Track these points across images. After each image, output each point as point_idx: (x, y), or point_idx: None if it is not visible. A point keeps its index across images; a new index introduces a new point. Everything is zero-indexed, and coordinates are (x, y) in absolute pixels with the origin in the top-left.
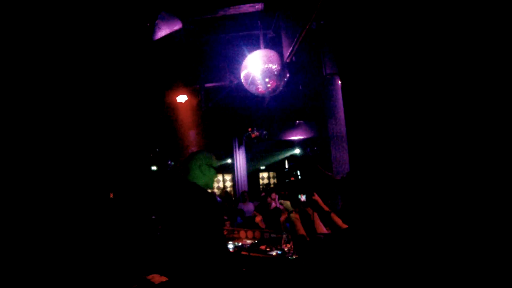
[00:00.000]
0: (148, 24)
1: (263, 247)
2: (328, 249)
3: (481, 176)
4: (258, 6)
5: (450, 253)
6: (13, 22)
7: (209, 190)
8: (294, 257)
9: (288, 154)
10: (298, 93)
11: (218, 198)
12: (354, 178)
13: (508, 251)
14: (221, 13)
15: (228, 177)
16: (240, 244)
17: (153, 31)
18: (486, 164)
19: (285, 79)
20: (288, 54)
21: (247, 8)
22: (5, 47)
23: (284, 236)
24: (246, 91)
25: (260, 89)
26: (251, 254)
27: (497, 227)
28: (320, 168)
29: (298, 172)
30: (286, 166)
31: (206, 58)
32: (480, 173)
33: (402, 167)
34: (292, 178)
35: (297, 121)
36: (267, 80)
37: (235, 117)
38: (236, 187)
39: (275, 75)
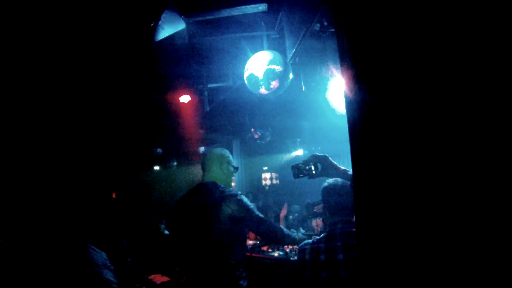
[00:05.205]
0: (151, 25)
1: (264, 248)
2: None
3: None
4: (262, 7)
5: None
6: (12, 21)
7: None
8: (296, 258)
9: (291, 155)
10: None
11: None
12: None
13: None
14: (225, 13)
15: None
16: None
17: (156, 32)
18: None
19: (289, 80)
20: (291, 55)
21: (250, 8)
22: (5, 47)
23: None
24: (249, 91)
25: (263, 90)
26: (253, 255)
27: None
28: (332, 162)
29: (312, 167)
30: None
31: (209, 59)
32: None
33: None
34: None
35: None
36: (270, 81)
37: (238, 117)
38: (238, 187)
39: (278, 76)
